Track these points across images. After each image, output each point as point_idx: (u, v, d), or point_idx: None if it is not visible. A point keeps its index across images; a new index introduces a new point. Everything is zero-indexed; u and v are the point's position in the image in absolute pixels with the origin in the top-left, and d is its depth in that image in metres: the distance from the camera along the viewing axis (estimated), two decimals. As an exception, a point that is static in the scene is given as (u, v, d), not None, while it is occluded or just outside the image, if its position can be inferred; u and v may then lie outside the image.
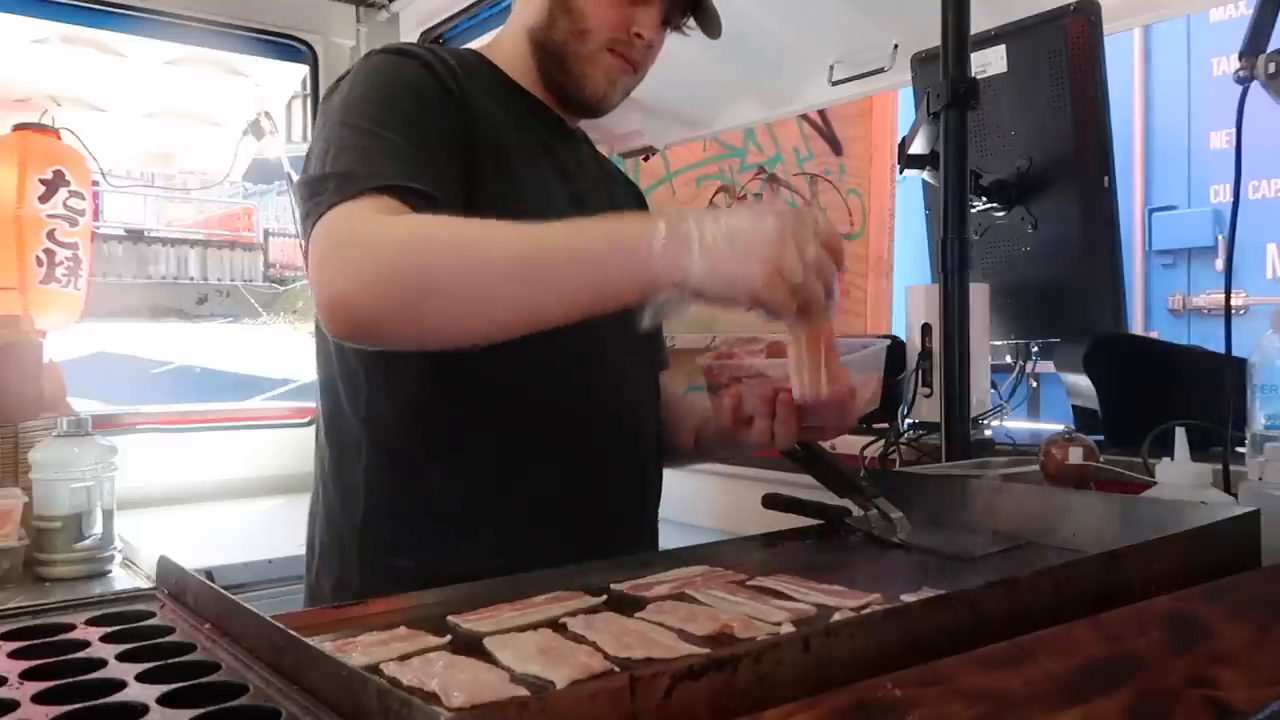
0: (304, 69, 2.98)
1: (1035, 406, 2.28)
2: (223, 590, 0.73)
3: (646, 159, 3.13)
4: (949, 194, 1.51)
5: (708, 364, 1.10)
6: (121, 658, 0.66)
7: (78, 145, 2.71)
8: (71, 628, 0.74)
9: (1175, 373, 1.62)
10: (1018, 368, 1.92)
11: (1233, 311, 1.40)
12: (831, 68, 2.37)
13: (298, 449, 2.64)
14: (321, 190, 0.97)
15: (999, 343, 1.90)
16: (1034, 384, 2.10)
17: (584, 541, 1.09)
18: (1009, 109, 1.79)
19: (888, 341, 1.18)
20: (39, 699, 0.59)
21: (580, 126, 1.30)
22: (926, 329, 1.70)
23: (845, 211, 4.60)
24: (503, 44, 1.24)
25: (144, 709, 0.57)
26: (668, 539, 1.25)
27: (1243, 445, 1.09)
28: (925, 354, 1.70)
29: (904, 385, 1.76)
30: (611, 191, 1.32)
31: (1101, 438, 1.56)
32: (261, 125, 3.02)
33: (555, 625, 0.74)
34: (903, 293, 2.26)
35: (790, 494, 1.15)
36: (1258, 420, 1.05)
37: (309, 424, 2.77)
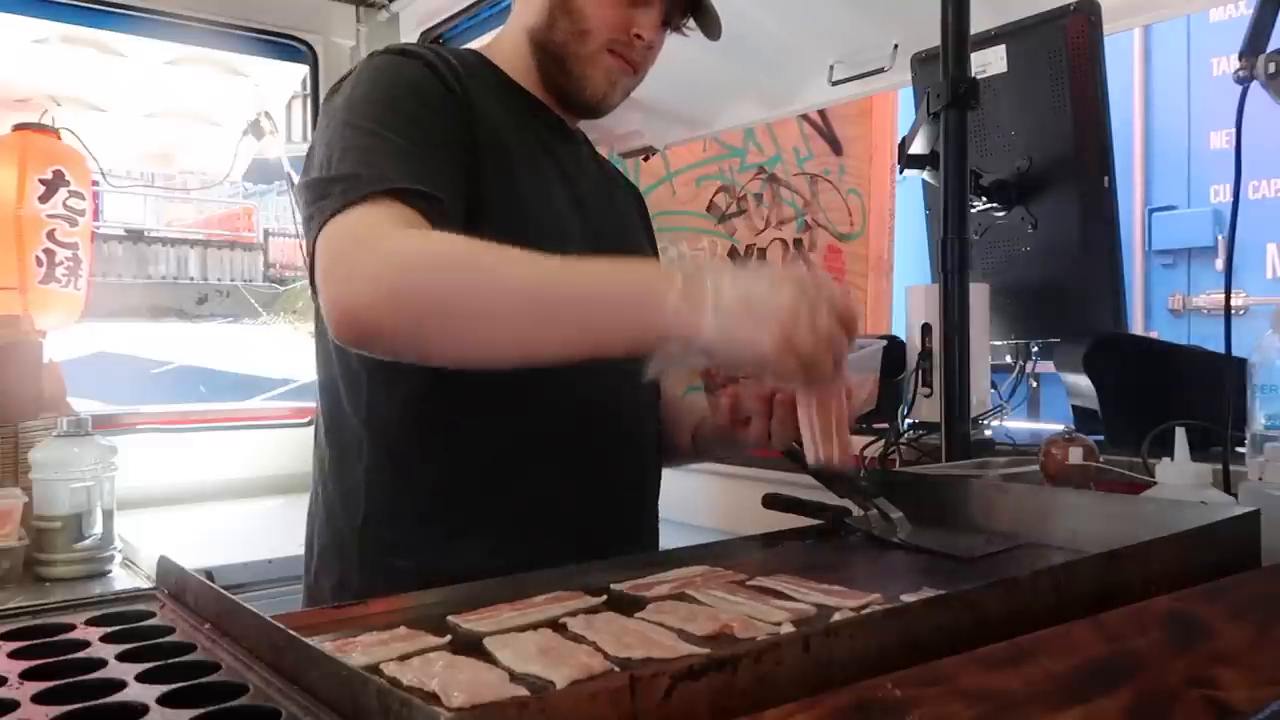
0: (304, 69, 2.98)
1: (1035, 406, 2.28)
2: (223, 590, 0.73)
3: (646, 159, 3.13)
4: (949, 194, 1.51)
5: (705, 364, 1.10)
6: (121, 658, 0.66)
7: (78, 145, 2.71)
8: (71, 628, 0.74)
9: (1175, 373, 1.62)
10: (1018, 368, 1.92)
11: (1233, 311, 1.39)
12: (831, 68, 2.37)
13: (298, 449, 2.63)
14: (327, 193, 0.97)
15: (999, 343, 1.90)
16: (1034, 384, 2.11)
17: (584, 541, 1.09)
18: (1009, 109, 1.79)
19: (884, 342, 1.19)
20: (39, 699, 0.59)
21: (580, 127, 1.30)
22: (926, 329, 1.70)
23: (845, 211, 4.60)
24: (503, 44, 1.24)
25: (144, 709, 0.57)
26: (668, 539, 1.25)
27: (1243, 445, 1.09)
28: (925, 354, 1.71)
29: (904, 385, 1.76)
30: (611, 193, 1.32)
31: (1101, 438, 1.56)
32: (261, 125, 3.02)
33: (555, 625, 0.74)
34: (903, 293, 2.26)
35: (790, 494, 1.15)
36: (1258, 420, 1.05)
37: (309, 424, 2.76)
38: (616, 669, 0.64)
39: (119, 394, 4.64)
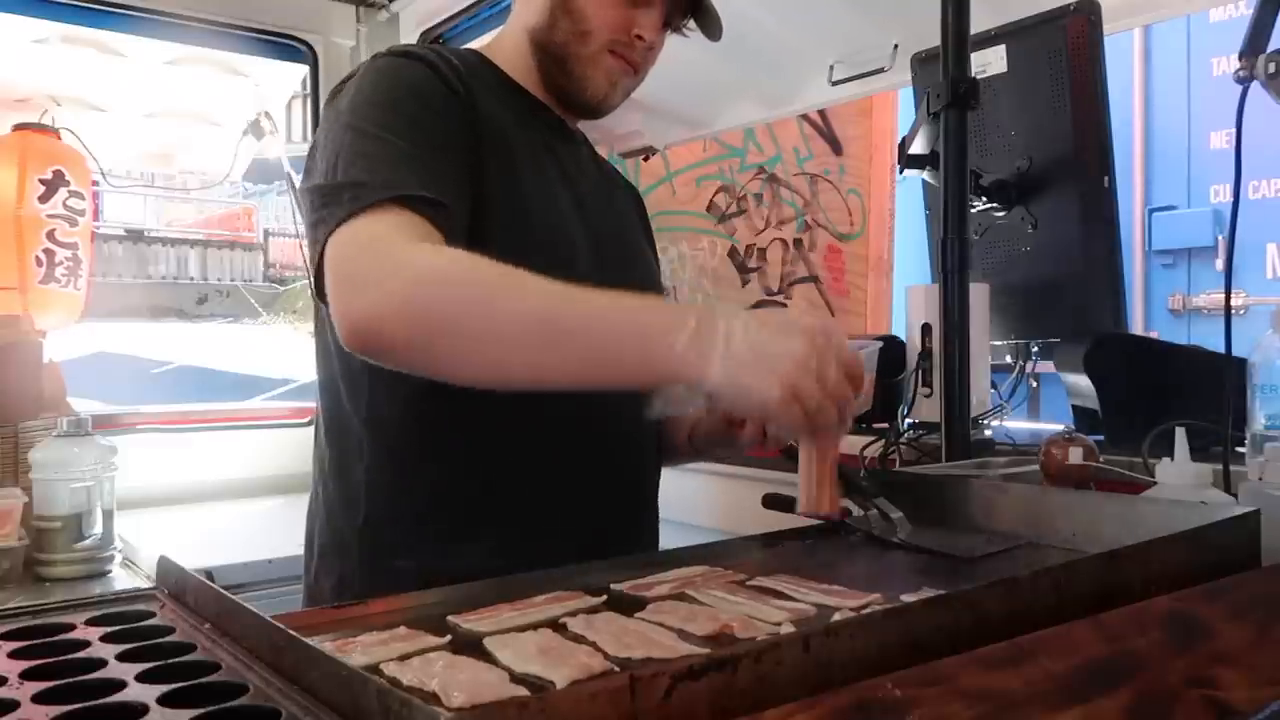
0: (304, 69, 2.98)
1: (1035, 406, 2.28)
2: (223, 590, 0.73)
3: (646, 159, 3.14)
4: (949, 194, 1.51)
5: None
6: (121, 658, 0.66)
7: (78, 145, 2.72)
8: (71, 628, 0.74)
9: (1175, 373, 1.62)
10: (1018, 368, 1.92)
11: (1233, 311, 1.39)
12: (831, 68, 2.37)
13: (298, 449, 2.64)
14: (334, 200, 0.97)
15: (999, 343, 1.90)
16: (1034, 384, 2.11)
17: (584, 541, 1.09)
18: (1009, 109, 1.79)
19: (880, 343, 1.19)
20: (39, 699, 0.59)
21: (580, 127, 1.30)
22: (926, 329, 1.70)
23: (845, 211, 4.60)
24: (503, 44, 1.24)
25: (144, 709, 0.57)
26: (668, 539, 1.25)
27: (1243, 445, 1.09)
28: (925, 354, 1.71)
29: (904, 385, 1.76)
30: (611, 193, 1.32)
31: (1101, 438, 1.56)
32: (261, 125, 3.02)
33: (555, 625, 0.74)
34: (903, 293, 2.26)
35: (790, 494, 1.14)
36: (1258, 420, 1.05)
37: (309, 424, 2.77)
38: (616, 669, 0.64)
39: (119, 394, 4.64)
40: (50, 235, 2.56)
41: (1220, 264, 4.13)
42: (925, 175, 1.67)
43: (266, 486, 2.73)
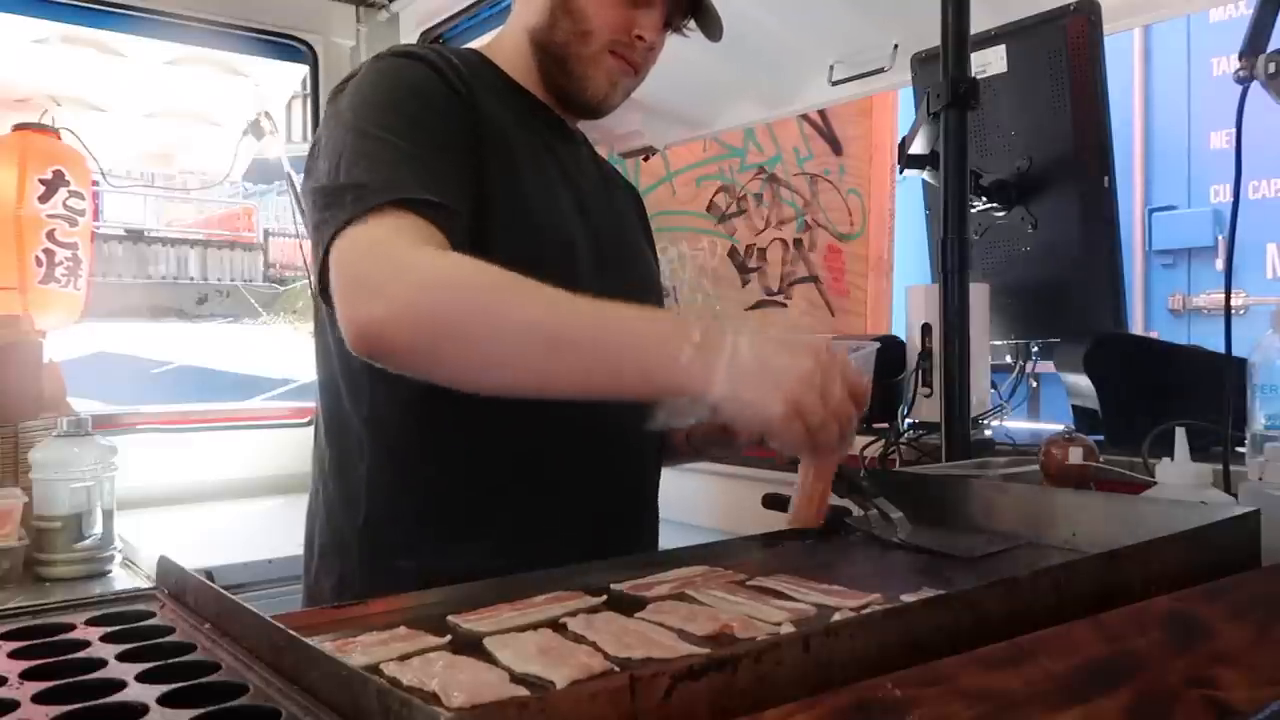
0: (304, 69, 2.98)
1: (1035, 406, 2.28)
2: (223, 590, 0.73)
3: (646, 159, 3.14)
4: (949, 194, 1.51)
5: None
6: (121, 658, 0.66)
7: (78, 145, 2.72)
8: (71, 628, 0.74)
9: (1175, 373, 1.62)
10: (1018, 368, 1.92)
11: (1233, 311, 1.39)
12: (831, 68, 2.37)
13: (298, 449, 2.63)
14: (337, 202, 0.97)
15: (999, 343, 1.90)
16: (1034, 384, 2.11)
17: (584, 542, 1.09)
18: (1009, 109, 1.79)
19: (877, 344, 1.19)
20: (39, 699, 0.59)
21: (579, 127, 1.30)
22: (926, 329, 1.70)
23: (845, 211, 4.60)
24: (503, 44, 1.24)
25: (144, 709, 0.57)
26: (668, 539, 1.25)
27: (1243, 445, 1.09)
28: (925, 354, 1.71)
29: (904, 385, 1.76)
30: (611, 193, 1.32)
31: (1101, 438, 1.56)
32: (261, 125, 3.02)
33: (555, 625, 0.74)
34: (903, 293, 2.26)
35: (790, 494, 1.15)
36: (1258, 420, 1.05)
37: (309, 424, 2.77)
38: (616, 669, 0.64)
39: (119, 394, 4.64)
40: (50, 235, 2.56)
41: (1220, 264, 4.13)
42: (925, 175, 1.67)
43: (266, 486, 2.73)
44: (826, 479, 0.95)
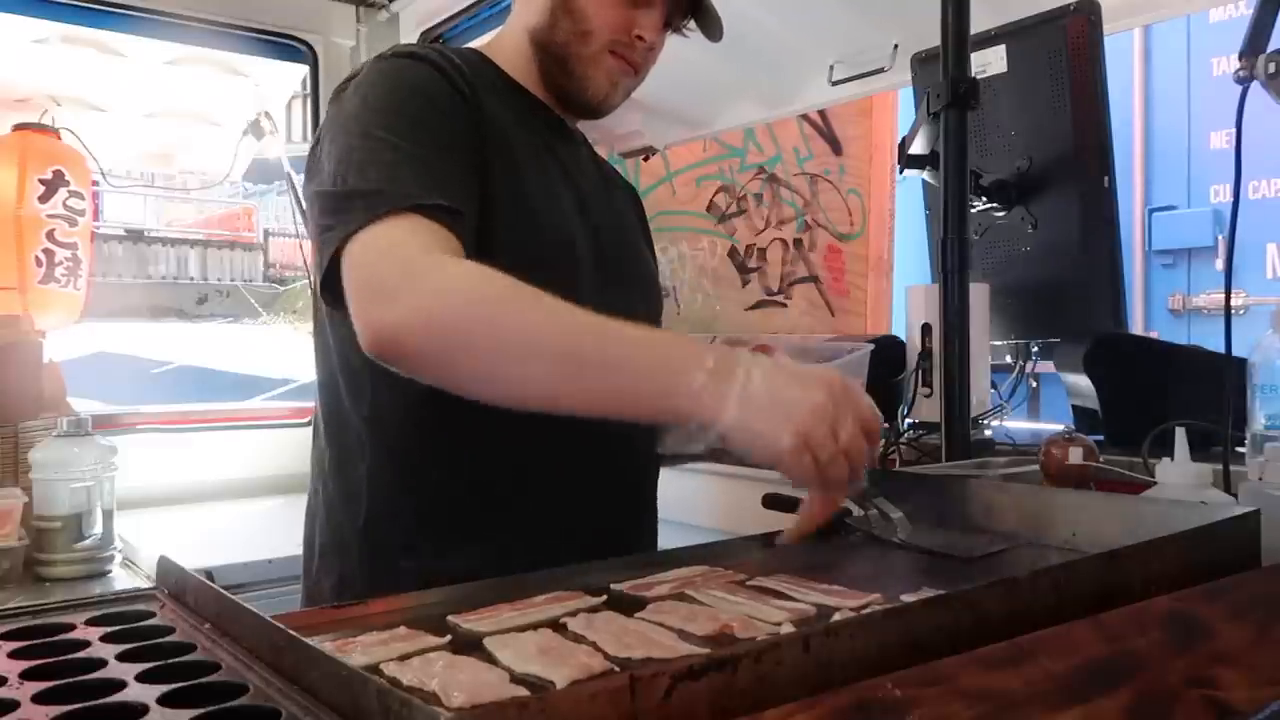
0: (304, 69, 2.98)
1: (1035, 406, 2.28)
2: (223, 590, 0.73)
3: (646, 159, 3.14)
4: (949, 194, 1.51)
5: None
6: (121, 658, 0.66)
7: (78, 145, 2.71)
8: (71, 628, 0.74)
9: (1175, 373, 1.62)
10: (1018, 368, 1.92)
11: (1233, 311, 1.39)
12: (831, 68, 2.37)
13: (298, 449, 2.63)
14: (348, 206, 0.97)
15: (999, 343, 1.90)
16: (1034, 384, 2.11)
17: (584, 542, 1.09)
18: (1009, 109, 1.79)
19: (870, 347, 1.19)
20: (39, 699, 0.59)
21: (579, 127, 1.30)
22: (926, 329, 1.70)
23: (845, 211, 4.60)
24: (503, 44, 1.24)
25: (144, 709, 0.57)
26: (668, 539, 1.25)
27: (1243, 445, 1.09)
28: (925, 354, 1.71)
29: (904, 385, 1.76)
30: (611, 193, 1.32)
31: (1101, 438, 1.56)
32: (261, 125, 3.02)
33: (555, 625, 0.74)
34: (903, 293, 2.26)
35: (790, 494, 1.15)
36: (1258, 420, 1.05)
37: (309, 424, 2.76)
38: (616, 669, 0.64)
39: (119, 394, 4.64)
40: (50, 235, 2.56)
41: (1220, 264, 4.13)
42: (925, 175, 1.67)
43: (266, 486, 2.73)
44: (825, 510, 0.94)
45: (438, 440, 1.10)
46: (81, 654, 0.68)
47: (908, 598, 0.75)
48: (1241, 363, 1.09)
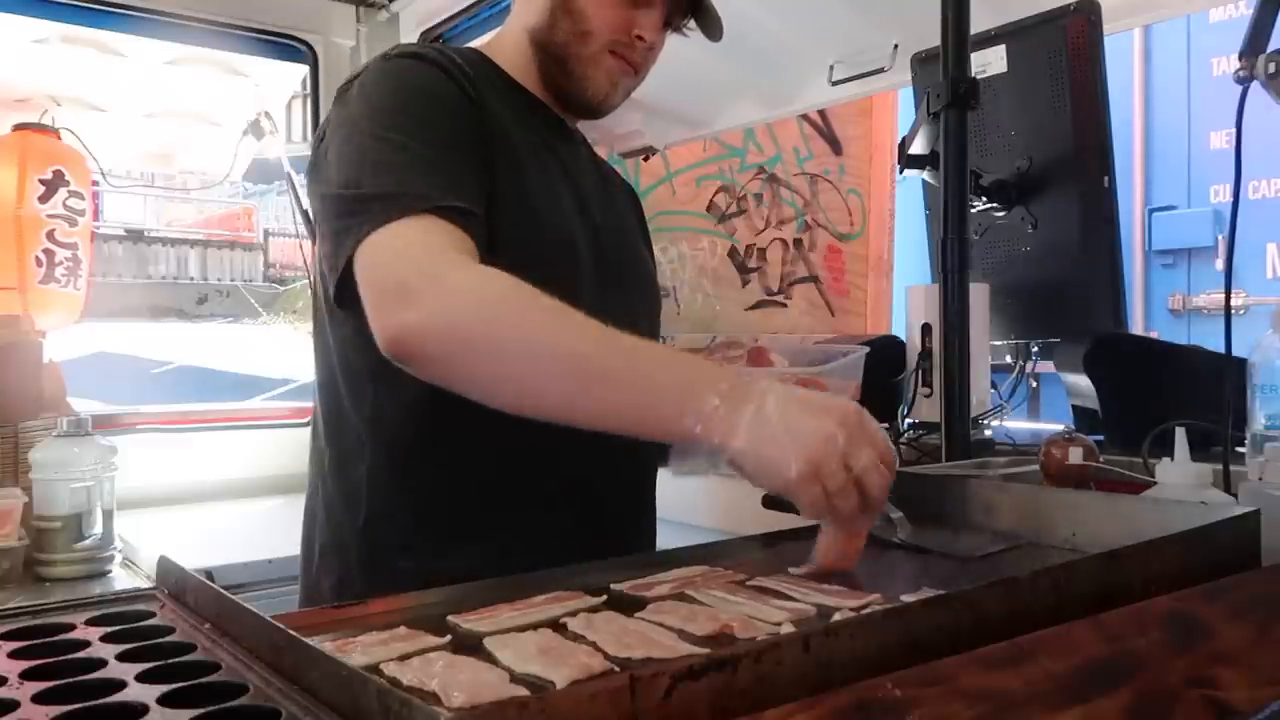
0: (304, 69, 2.98)
1: (1035, 406, 2.28)
2: (223, 590, 0.73)
3: (646, 159, 3.13)
4: (949, 194, 1.51)
5: None
6: (121, 658, 0.66)
7: (78, 145, 2.71)
8: (71, 628, 0.74)
9: (1175, 373, 1.62)
10: (1018, 368, 1.92)
11: (1233, 311, 1.39)
12: (831, 68, 2.37)
13: (298, 449, 2.62)
14: (363, 209, 0.97)
15: (999, 343, 1.90)
16: (1034, 384, 2.11)
17: (584, 542, 1.09)
18: (1009, 109, 1.79)
19: (865, 349, 1.18)
20: (39, 699, 0.59)
21: (579, 127, 1.30)
22: (926, 329, 1.70)
23: (845, 211, 4.60)
24: (503, 44, 1.24)
25: (144, 709, 0.57)
26: (668, 539, 1.25)
27: (1243, 445, 1.09)
28: (925, 354, 1.71)
29: (904, 385, 1.76)
30: (610, 193, 1.32)
31: (1101, 438, 1.56)
32: (261, 125, 3.02)
33: (555, 625, 0.74)
34: (903, 293, 2.26)
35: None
36: (1258, 420, 1.05)
37: (308, 424, 2.77)
38: (616, 669, 0.64)
39: (119, 394, 4.64)
40: (50, 235, 2.56)
41: (1220, 264, 4.13)
42: (925, 175, 1.67)
43: (266, 486, 2.73)
44: (851, 549, 0.89)
45: (438, 440, 1.10)
46: (81, 654, 0.68)
47: (908, 598, 0.75)
48: (1241, 363, 1.09)
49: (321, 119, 1.13)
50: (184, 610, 0.76)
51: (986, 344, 1.73)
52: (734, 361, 1.10)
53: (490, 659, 0.67)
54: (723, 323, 4.09)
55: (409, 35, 2.84)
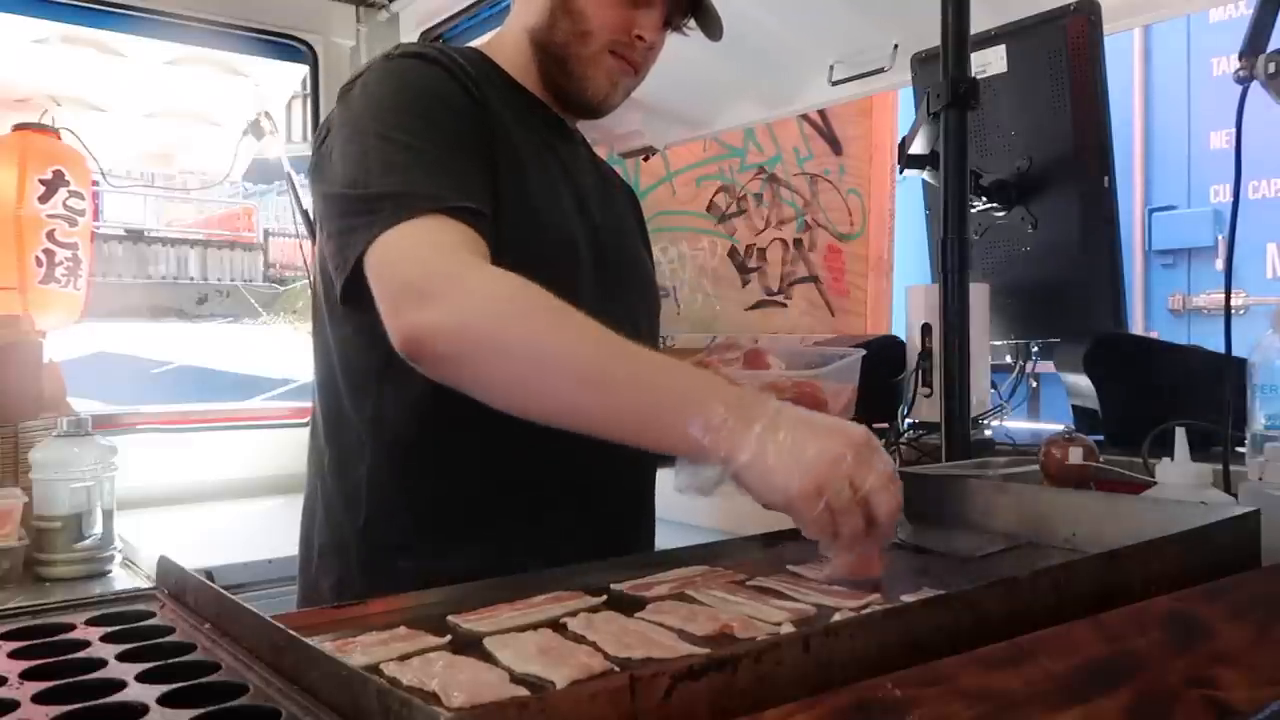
0: (304, 69, 2.98)
1: (1035, 406, 2.28)
2: (223, 590, 0.73)
3: (646, 159, 3.13)
4: (949, 194, 1.51)
5: None
6: (121, 658, 0.66)
7: (78, 145, 2.71)
8: (71, 628, 0.74)
9: (1175, 373, 1.62)
10: (1018, 368, 1.92)
11: (1233, 311, 1.39)
12: (831, 68, 2.37)
13: (298, 449, 2.61)
14: (374, 209, 0.97)
15: (999, 343, 1.90)
16: (1034, 384, 2.11)
17: (584, 542, 1.09)
18: (1009, 109, 1.79)
19: (862, 352, 1.18)
20: (39, 699, 0.59)
21: (579, 127, 1.30)
22: (926, 329, 1.70)
23: (845, 211, 4.60)
24: (503, 43, 1.24)
25: (144, 709, 0.57)
26: (668, 539, 1.25)
27: (1243, 445, 1.09)
28: (925, 354, 1.71)
29: (904, 385, 1.76)
30: (609, 193, 1.32)
31: (1101, 438, 1.56)
32: (261, 125, 3.02)
33: (555, 625, 0.74)
34: (903, 293, 2.26)
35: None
36: (1258, 420, 1.05)
37: (308, 424, 2.77)
38: (616, 669, 0.64)
39: (119, 394, 4.64)
40: (50, 235, 2.56)
41: (1220, 264, 4.13)
42: (925, 175, 1.67)
43: (266, 486, 2.73)
44: (865, 566, 0.86)
45: (438, 441, 1.10)
46: (81, 654, 0.68)
47: (908, 598, 0.75)
48: (1241, 363, 1.09)
49: (322, 119, 1.13)
50: (184, 610, 0.76)
51: (986, 344, 1.73)
52: (730, 364, 1.10)
53: (490, 659, 0.67)
54: (723, 323, 4.09)
55: (409, 35, 2.84)
